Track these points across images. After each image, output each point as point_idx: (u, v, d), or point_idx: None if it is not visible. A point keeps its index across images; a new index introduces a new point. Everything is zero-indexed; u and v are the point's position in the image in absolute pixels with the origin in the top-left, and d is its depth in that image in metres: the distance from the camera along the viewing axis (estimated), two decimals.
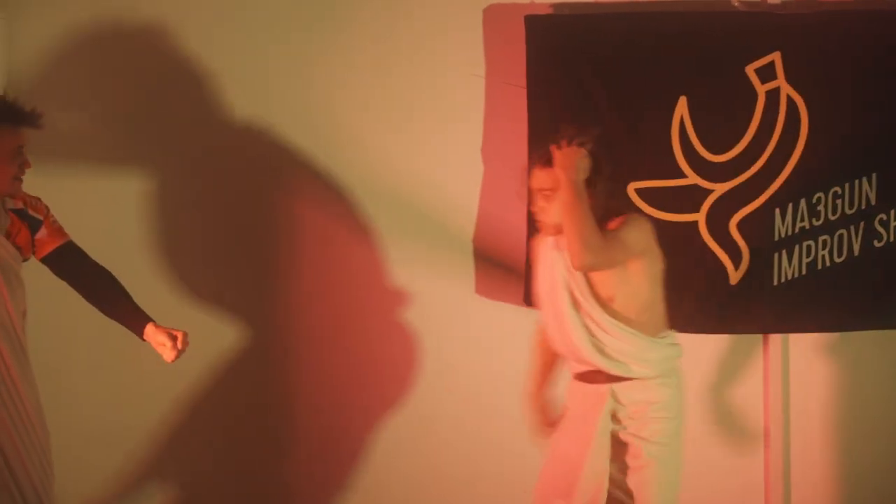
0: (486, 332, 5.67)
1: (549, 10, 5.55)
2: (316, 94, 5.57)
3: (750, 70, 5.50)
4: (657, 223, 5.42)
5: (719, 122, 5.51)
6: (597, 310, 4.62)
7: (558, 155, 4.57)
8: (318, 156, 5.57)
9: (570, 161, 4.55)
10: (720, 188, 5.53)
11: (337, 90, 5.58)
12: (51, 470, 4.56)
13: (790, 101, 5.50)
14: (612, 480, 4.66)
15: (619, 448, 4.66)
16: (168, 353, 4.53)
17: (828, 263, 5.54)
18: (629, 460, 4.65)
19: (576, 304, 4.64)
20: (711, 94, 5.50)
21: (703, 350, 5.68)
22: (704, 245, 5.55)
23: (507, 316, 5.63)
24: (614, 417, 4.65)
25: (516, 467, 5.54)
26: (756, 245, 5.54)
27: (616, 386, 4.65)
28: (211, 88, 5.53)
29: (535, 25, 5.48)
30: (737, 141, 5.52)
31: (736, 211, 5.53)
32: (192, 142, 5.56)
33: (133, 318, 4.59)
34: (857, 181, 5.52)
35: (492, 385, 5.67)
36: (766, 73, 5.49)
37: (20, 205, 4.59)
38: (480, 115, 5.60)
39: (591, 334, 4.63)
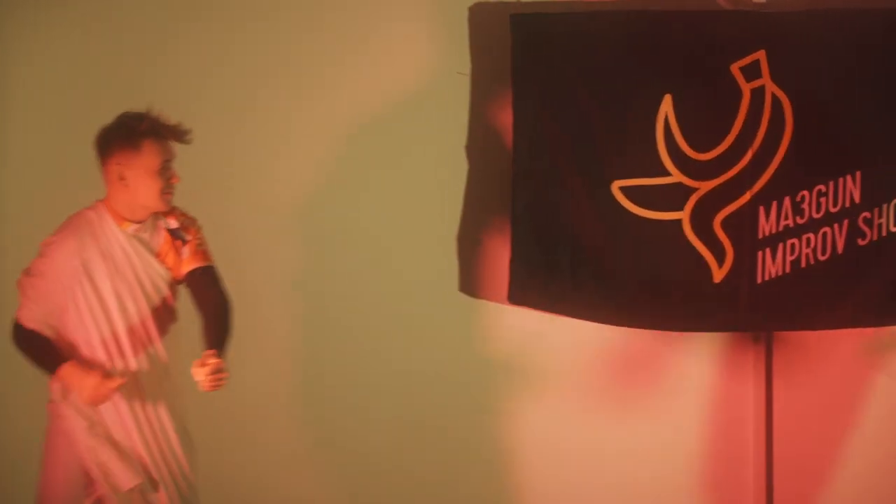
0: (471, 329, 5.67)
1: (535, 9, 5.54)
2: (305, 91, 5.56)
3: (735, 68, 5.49)
4: (642, 222, 5.51)
5: (704, 120, 5.51)
6: None
7: None
8: (298, 154, 5.56)
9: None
10: (704, 186, 5.53)
11: (323, 89, 5.57)
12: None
13: (775, 99, 5.50)
14: None
15: None
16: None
17: (812, 262, 5.55)
18: None
19: None
20: (696, 93, 5.50)
21: (688, 348, 5.70)
22: (688, 243, 5.54)
23: (491, 314, 5.64)
24: None
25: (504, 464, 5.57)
26: (740, 243, 5.54)
27: None
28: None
29: (521, 24, 5.47)
30: (721, 139, 5.52)
31: (720, 209, 5.53)
32: None
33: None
34: (841, 179, 5.53)
35: (478, 382, 5.69)
36: (751, 72, 5.49)
37: (174, 224, 4.57)
38: (466, 113, 5.60)
39: None
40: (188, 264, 4.55)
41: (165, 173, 4.48)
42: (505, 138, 5.54)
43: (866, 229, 5.54)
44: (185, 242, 4.56)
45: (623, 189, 5.53)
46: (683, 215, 5.54)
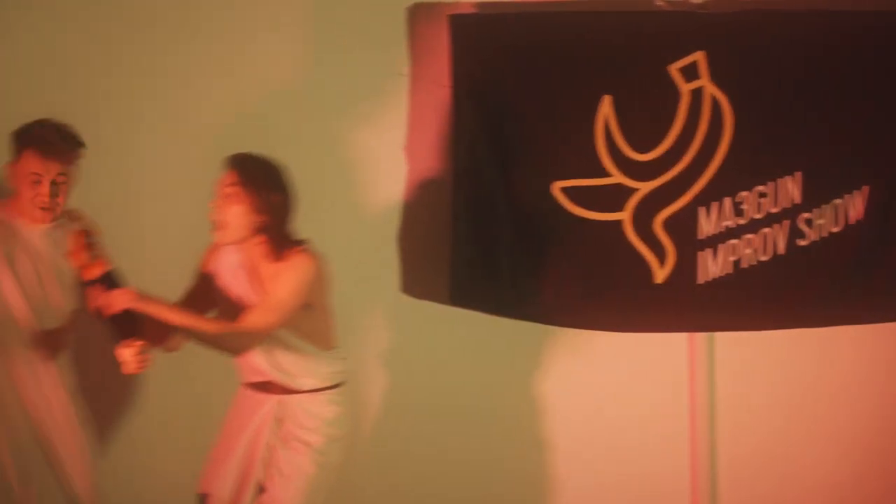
0: (413, 331, 5.68)
1: (473, 10, 5.55)
2: (241, 92, 5.56)
3: (674, 69, 5.51)
4: (582, 222, 5.52)
5: (643, 121, 5.52)
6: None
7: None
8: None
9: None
10: (645, 187, 5.54)
11: (265, 88, 5.57)
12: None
13: (714, 100, 5.52)
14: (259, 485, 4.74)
15: (274, 454, 4.71)
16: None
17: (753, 262, 5.56)
18: (281, 467, 4.69)
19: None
20: (635, 94, 5.50)
21: (626, 350, 5.70)
22: (629, 244, 5.55)
23: (434, 314, 5.64)
24: (279, 427, 4.71)
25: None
26: (681, 244, 5.55)
27: (285, 397, 4.72)
28: None
29: (459, 24, 5.47)
30: (661, 140, 5.53)
31: (660, 210, 5.54)
32: None
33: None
34: (781, 180, 5.54)
35: (425, 385, 5.70)
36: (690, 73, 5.51)
37: (81, 227, 4.65)
38: (404, 113, 5.60)
39: (265, 345, 4.66)
40: (94, 270, 4.58)
41: (44, 186, 4.63)
42: (444, 138, 5.54)
43: (807, 230, 5.56)
44: (93, 244, 4.61)
45: (563, 190, 5.53)
46: (624, 216, 5.55)
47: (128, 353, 4.48)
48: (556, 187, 5.53)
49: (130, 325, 4.54)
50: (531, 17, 5.52)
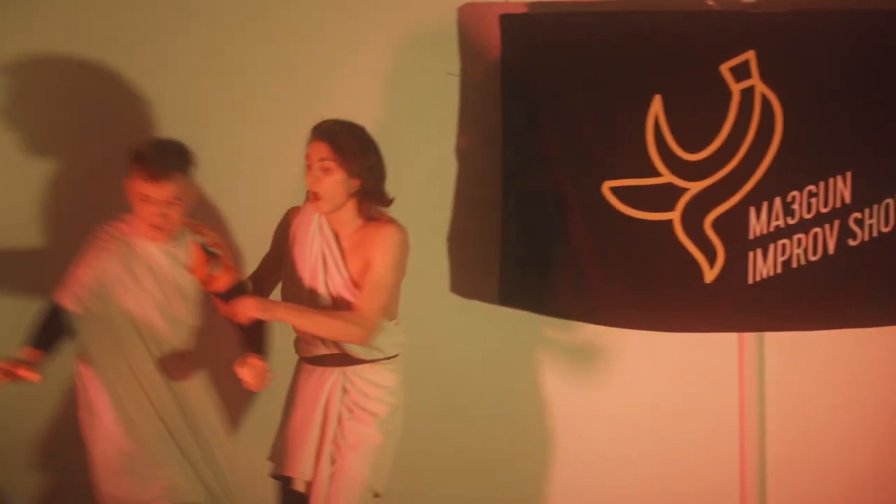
0: (463, 330, 5.68)
1: (525, 9, 5.55)
2: (296, 94, 5.57)
3: (724, 69, 5.50)
4: (632, 222, 5.52)
5: (694, 120, 5.51)
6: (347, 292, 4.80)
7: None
8: (292, 159, 5.57)
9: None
10: (695, 187, 5.53)
11: (315, 91, 5.58)
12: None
13: (765, 99, 5.50)
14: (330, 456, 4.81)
15: (341, 426, 4.79)
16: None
17: (803, 262, 5.55)
18: (348, 437, 4.77)
19: (327, 285, 4.81)
20: (686, 93, 5.49)
21: (679, 349, 5.69)
22: (679, 244, 5.54)
23: (481, 314, 5.64)
24: (343, 397, 4.81)
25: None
26: (731, 244, 5.54)
27: (348, 368, 4.81)
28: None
29: (510, 24, 5.47)
30: (711, 139, 5.52)
31: (711, 209, 5.53)
32: None
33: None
34: (832, 179, 5.52)
35: (472, 384, 5.69)
36: (741, 72, 5.49)
37: (203, 240, 4.78)
38: (455, 114, 5.61)
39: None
40: (223, 281, 4.78)
41: (153, 206, 4.64)
42: (495, 139, 5.54)
43: (857, 230, 5.54)
44: (214, 258, 4.77)
45: (613, 189, 5.53)
46: (674, 216, 5.54)
47: (246, 373, 4.58)
48: (606, 187, 5.52)
49: (259, 334, 4.70)
50: (582, 17, 5.51)
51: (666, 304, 5.56)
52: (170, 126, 5.41)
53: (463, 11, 5.56)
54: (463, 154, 5.62)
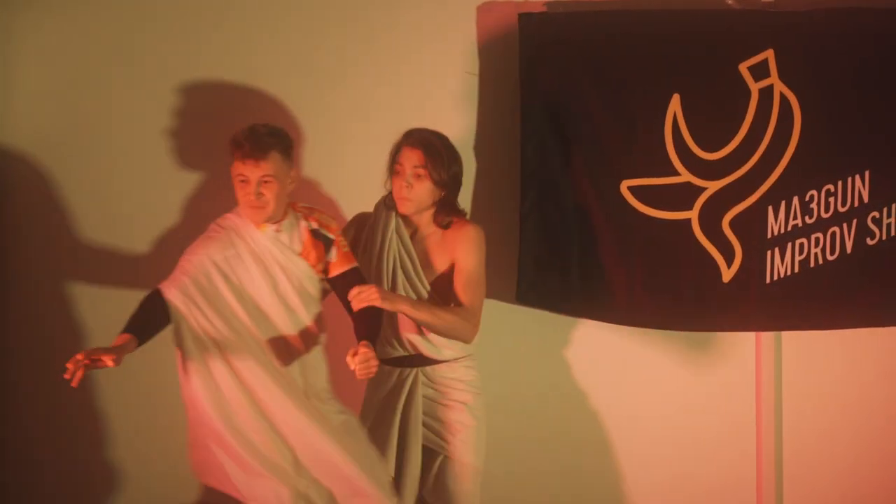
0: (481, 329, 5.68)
1: (543, 8, 5.55)
2: (309, 92, 5.56)
3: (743, 68, 5.49)
4: (650, 221, 5.51)
5: (712, 119, 5.51)
6: (421, 291, 5.00)
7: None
8: (305, 157, 5.57)
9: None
10: (713, 186, 5.53)
11: (331, 90, 5.57)
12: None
13: (783, 98, 5.50)
14: (436, 445, 5.05)
15: (438, 419, 5.04)
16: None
17: (820, 261, 5.55)
18: (448, 426, 5.04)
19: (405, 282, 5.01)
20: (704, 92, 5.50)
21: (696, 348, 5.69)
22: (697, 243, 5.55)
23: (497, 314, 5.64)
24: (427, 392, 5.03)
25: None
26: (749, 243, 5.54)
27: (426, 368, 5.03)
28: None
29: (529, 23, 5.48)
30: (730, 139, 5.52)
31: (729, 209, 5.53)
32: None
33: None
34: (849, 179, 5.53)
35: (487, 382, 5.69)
36: (760, 71, 5.49)
37: (314, 224, 4.88)
38: (474, 112, 5.60)
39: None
40: (338, 267, 4.89)
41: (250, 185, 4.76)
42: (513, 138, 5.54)
43: (875, 229, 5.54)
44: (327, 243, 4.87)
45: (632, 189, 5.53)
46: (692, 215, 5.54)
47: (353, 362, 4.58)
48: (625, 186, 5.52)
49: (373, 323, 4.75)
50: (599, 16, 5.51)
51: (684, 303, 5.56)
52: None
53: (482, 10, 5.56)
54: (482, 153, 5.61)
